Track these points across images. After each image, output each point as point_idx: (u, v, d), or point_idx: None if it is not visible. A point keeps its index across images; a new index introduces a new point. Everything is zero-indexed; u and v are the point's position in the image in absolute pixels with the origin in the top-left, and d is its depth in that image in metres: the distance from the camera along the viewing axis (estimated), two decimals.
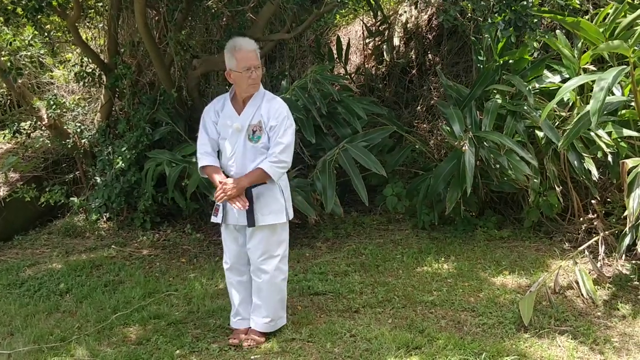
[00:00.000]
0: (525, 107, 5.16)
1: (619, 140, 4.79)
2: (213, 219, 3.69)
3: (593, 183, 4.93)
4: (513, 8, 4.19)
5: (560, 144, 4.65)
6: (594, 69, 5.33)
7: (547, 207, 5.17)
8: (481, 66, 5.82)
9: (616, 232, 4.76)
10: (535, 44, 5.24)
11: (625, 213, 4.14)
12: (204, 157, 3.64)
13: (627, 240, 4.17)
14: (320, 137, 5.73)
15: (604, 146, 4.78)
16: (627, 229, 4.10)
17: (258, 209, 3.51)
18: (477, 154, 5.03)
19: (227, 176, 3.57)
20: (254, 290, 3.66)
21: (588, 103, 5.06)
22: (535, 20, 4.34)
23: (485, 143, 5.11)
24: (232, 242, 3.69)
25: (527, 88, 5.17)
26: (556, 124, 5.13)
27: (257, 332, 3.67)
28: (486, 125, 5.16)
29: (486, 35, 5.54)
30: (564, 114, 5.18)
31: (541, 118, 4.68)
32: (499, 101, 5.30)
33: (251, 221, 3.49)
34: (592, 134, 4.83)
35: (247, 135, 3.50)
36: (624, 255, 4.60)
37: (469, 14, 5.57)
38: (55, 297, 4.60)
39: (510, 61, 5.53)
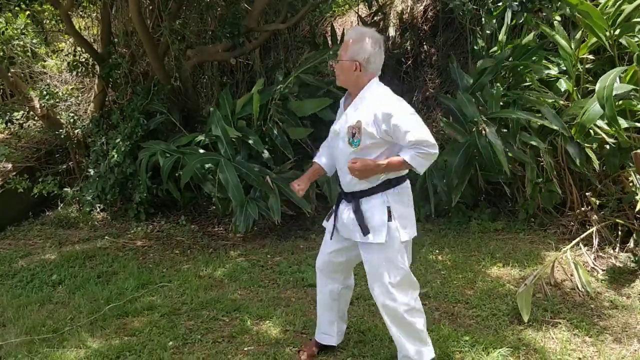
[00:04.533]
0: (526, 96, 5.15)
1: (618, 131, 4.78)
2: (325, 224, 3.23)
3: (592, 174, 4.93)
4: None
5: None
6: (593, 58, 5.33)
7: (546, 198, 5.15)
8: (483, 53, 5.80)
9: (610, 224, 4.77)
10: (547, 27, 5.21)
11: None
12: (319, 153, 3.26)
13: None
14: (322, 127, 5.72)
15: (606, 137, 4.76)
16: None
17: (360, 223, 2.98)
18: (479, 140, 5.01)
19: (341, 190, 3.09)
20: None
21: (585, 95, 5.07)
22: None
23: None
24: (327, 244, 3.21)
25: (535, 77, 5.17)
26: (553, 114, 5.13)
27: None
28: (492, 109, 5.16)
29: (487, 22, 5.52)
30: (562, 102, 5.18)
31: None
32: (500, 89, 5.30)
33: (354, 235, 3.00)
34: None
35: (346, 139, 2.92)
36: (617, 247, 4.62)
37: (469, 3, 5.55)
38: (48, 288, 4.58)
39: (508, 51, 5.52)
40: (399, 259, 2.94)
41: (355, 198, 2.99)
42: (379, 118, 2.81)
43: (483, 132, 4.89)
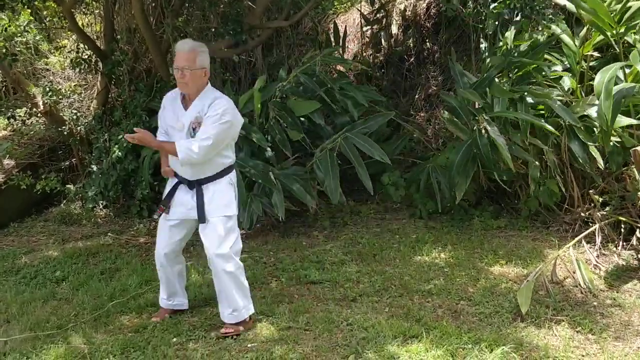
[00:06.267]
0: (533, 90, 5.14)
1: (620, 129, 4.78)
2: (156, 216, 3.82)
3: (595, 172, 4.92)
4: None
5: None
6: (597, 55, 5.31)
7: (547, 196, 5.14)
8: (486, 51, 5.80)
9: (613, 222, 4.77)
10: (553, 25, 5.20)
11: None
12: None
13: None
14: (319, 125, 5.70)
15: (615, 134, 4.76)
16: None
17: (207, 204, 3.53)
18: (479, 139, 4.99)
19: (175, 174, 3.65)
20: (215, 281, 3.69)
21: (588, 93, 5.06)
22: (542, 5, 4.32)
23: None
24: (167, 234, 3.73)
25: (543, 72, 5.17)
26: None
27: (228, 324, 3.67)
28: (499, 107, 5.14)
29: (492, 21, 5.51)
30: (565, 99, 5.18)
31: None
32: (506, 86, 5.29)
33: (202, 217, 3.53)
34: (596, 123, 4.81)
35: (188, 133, 3.46)
36: (620, 245, 4.62)
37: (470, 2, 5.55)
38: (52, 285, 4.59)
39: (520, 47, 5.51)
40: (237, 227, 3.63)
41: (199, 185, 3.51)
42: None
43: (484, 130, 4.87)
